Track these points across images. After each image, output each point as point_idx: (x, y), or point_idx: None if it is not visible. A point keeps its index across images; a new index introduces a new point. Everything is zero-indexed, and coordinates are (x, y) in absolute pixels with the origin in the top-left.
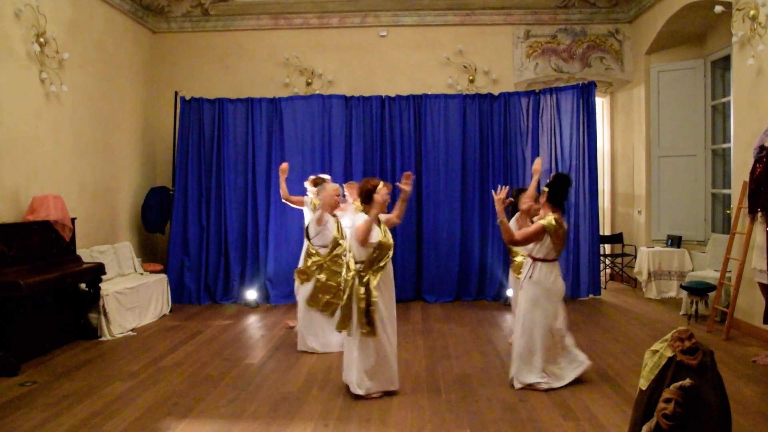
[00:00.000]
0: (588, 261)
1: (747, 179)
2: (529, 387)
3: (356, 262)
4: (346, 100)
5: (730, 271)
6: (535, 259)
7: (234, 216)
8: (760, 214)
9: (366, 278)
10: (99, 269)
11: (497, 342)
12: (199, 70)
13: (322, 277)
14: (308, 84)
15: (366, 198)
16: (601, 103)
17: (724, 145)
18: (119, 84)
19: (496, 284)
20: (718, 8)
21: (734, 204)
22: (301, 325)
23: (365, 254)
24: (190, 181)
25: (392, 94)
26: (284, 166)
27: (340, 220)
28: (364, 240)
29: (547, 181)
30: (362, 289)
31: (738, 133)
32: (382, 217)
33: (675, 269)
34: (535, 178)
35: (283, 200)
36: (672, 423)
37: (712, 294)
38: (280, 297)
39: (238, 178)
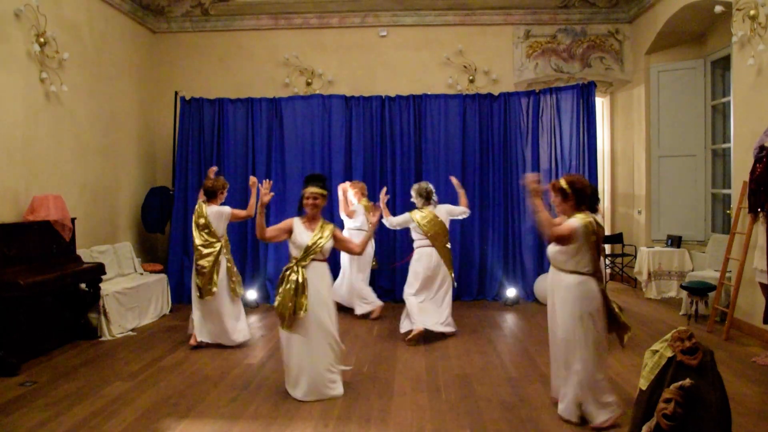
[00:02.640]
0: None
1: (747, 179)
2: None
3: None
4: (346, 100)
5: (730, 271)
6: None
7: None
8: (760, 214)
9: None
10: (99, 269)
11: (497, 342)
12: (199, 70)
13: None
14: (308, 84)
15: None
16: (601, 103)
17: (724, 145)
18: (119, 84)
19: (496, 284)
20: (718, 8)
21: (734, 204)
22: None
23: None
24: (190, 181)
25: (392, 94)
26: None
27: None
28: None
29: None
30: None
31: (738, 133)
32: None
33: (675, 269)
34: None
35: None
36: (672, 423)
37: (712, 294)
38: None
39: (238, 178)
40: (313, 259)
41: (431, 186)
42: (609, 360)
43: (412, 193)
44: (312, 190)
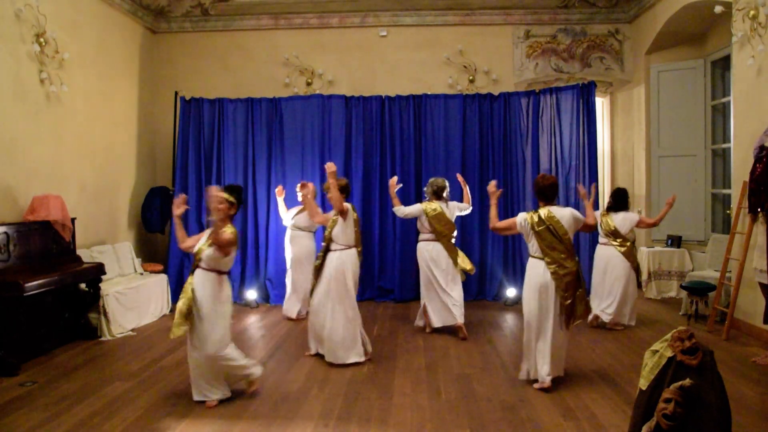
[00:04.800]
0: (588, 261)
1: (747, 179)
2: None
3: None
4: (346, 100)
5: (730, 271)
6: None
7: (234, 216)
8: (760, 214)
9: None
10: (99, 269)
11: (497, 342)
12: (199, 70)
13: None
14: (308, 84)
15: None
16: (601, 103)
17: (724, 145)
18: (119, 84)
19: (496, 284)
20: (718, 8)
21: (734, 204)
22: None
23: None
24: (190, 181)
25: (392, 94)
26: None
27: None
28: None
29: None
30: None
31: (738, 133)
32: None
33: (675, 269)
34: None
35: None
36: (672, 423)
37: (712, 294)
38: (280, 297)
39: (238, 178)
40: (197, 266)
41: (446, 183)
42: (608, 360)
43: (426, 188)
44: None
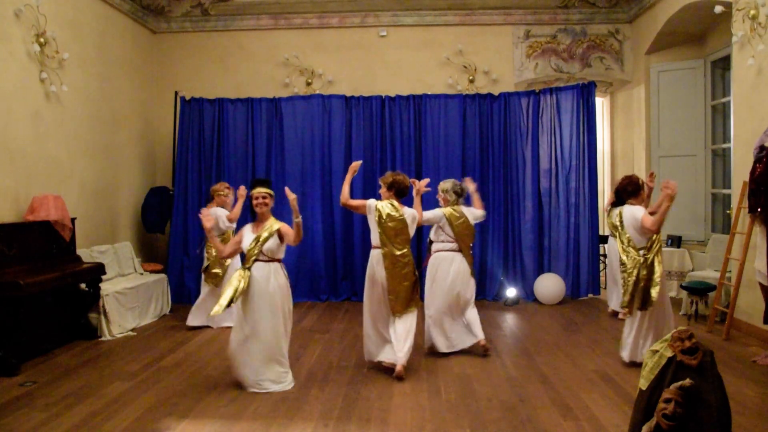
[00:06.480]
0: (587, 261)
1: (747, 179)
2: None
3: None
4: (346, 100)
5: (730, 271)
6: None
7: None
8: (759, 215)
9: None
10: (99, 269)
11: (497, 342)
12: (199, 70)
13: None
14: (308, 84)
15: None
16: (601, 103)
17: (724, 145)
18: (119, 84)
19: (496, 284)
20: (718, 8)
21: (734, 204)
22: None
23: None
24: (190, 181)
25: (392, 94)
26: (355, 164)
27: None
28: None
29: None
30: (645, 271)
31: (738, 133)
32: None
33: (675, 269)
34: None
35: (342, 204)
36: (672, 423)
37: (712, 294)
38: None
39: (238, 178)
40: (257, 260)
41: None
42: (608, 360)
43: (447, 188)
44: (260, 190)
